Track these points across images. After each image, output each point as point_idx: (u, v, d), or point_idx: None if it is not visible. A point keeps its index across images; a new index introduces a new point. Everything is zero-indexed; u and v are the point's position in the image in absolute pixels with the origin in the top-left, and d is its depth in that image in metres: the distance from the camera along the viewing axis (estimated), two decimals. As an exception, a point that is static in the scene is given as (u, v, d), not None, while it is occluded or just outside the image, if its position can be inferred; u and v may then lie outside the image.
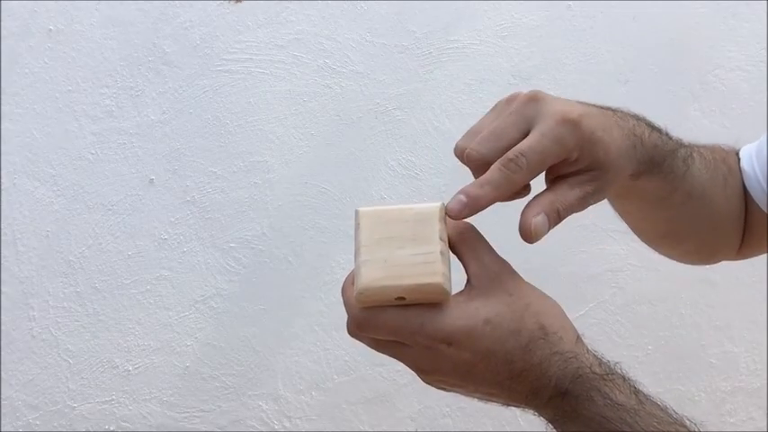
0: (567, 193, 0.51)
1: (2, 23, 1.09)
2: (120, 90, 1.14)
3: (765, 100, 1.36)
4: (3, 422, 1.12)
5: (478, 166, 0.50)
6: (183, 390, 1.19)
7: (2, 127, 1.10)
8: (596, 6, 1.32)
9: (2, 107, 1.10)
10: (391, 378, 1.27)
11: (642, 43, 1.34)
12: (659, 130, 0.58)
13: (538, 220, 0.49)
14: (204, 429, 1.20)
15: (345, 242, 1.23)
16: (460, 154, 0.51)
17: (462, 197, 0.48)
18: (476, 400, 0.51)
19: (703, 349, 1.43)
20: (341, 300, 0.49)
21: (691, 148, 0.64)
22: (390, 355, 0.49)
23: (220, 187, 1.19)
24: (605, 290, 1.37)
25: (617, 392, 0.47)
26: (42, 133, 1.12)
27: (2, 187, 1.11)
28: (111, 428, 1.16)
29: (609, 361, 0.49)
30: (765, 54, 1.39)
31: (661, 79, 1.35)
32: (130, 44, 1.14)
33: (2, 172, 1.10)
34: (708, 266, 1.41)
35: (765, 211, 0.67)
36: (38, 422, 1.13)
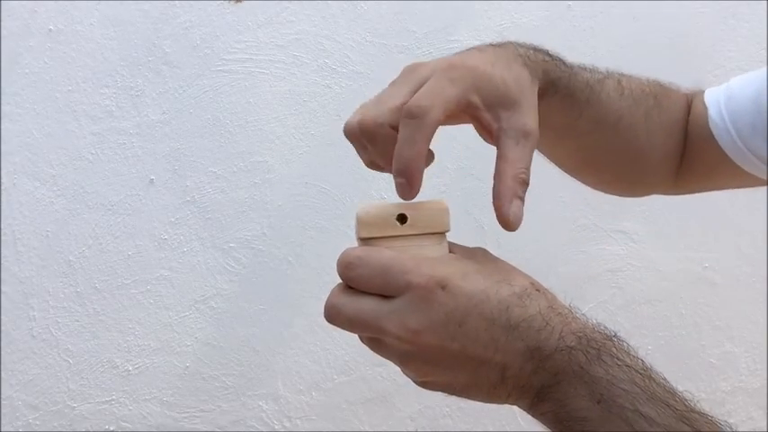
0: (515, 150, 0.48)
1: (2, 23, 1.09)
2: (120, 90, 1.14)
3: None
4: (3, 422, 1.12)
5: (372, 131, 0.48)
6: (183, 390, 1.19)
7: (2, 127, 1.10)
8: (596, 6, 1.32)
9: (2, 107, 1.10)
10: (391, 378, 1.27)
11: (642, 43, 1.34)
12: (547, 53, 0.57)
13: (514, 209, 0.47)
14: (204, 429, 1.20)
15: (345, 242, 1.22)
16: (348, 127, 0.49)
17: (399, 179, 0.46)
18: (455, 393, 0.48)
19: (703, 349, 1.43)
20: (323, 313, 0.48)
21: (606, 74, 0.63)
22: (372, 320, 0.45)
23: (220, 187, 1.19)
24: (605, 290, 1.37)
25: (624, 354, 0.44)
26: (42, 133, 1.12)
27: (2, 187, 1.11)
28: (111, 428, 1.16)
29: (607, 327, 0.47)
30: (765, 54, 1.39)
31: (661, 79, 1.35)
32: (130, 44, 1.14)
33: (2, 172, 1.11)
34: (707, 266, 1.41)
35: (736, 162, 0.66)
36: (38, 422, 1.13)
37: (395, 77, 0.51)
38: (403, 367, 0.48)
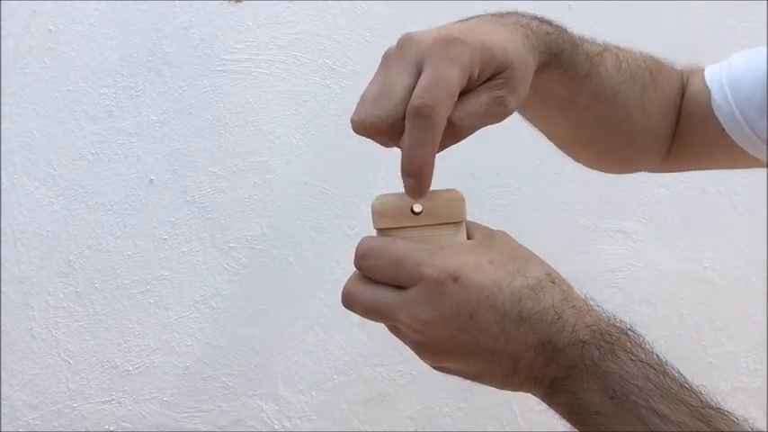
0: (472, 100, 0.46)
1: (2, 23, 1.09)
2: (120, 90, 1.14)
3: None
4: (3, 422, 1.12)
5: (384, 131, 0.45)
6: (183, 390, 1.19)
7: (2, 127, 1.10)
8: (596, 6, 1.32)
9: (2, 107, 1.10)
10: (391, 378, 1.27)
11: (642, 43, 1.34)
12: (550, 23, 0.55)
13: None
14: (204, 429, 1.20)
15: (345, 242, 1.23)
16: (361, 128, 0.46)
17: (410, 180, 0.45)
18: (470, 379, 0.48)
19: (703, 349, 1.43)
20: (341, 300, 0.48)
21: (604, 47, 0.61)
22: (385, 310, 0.45)
23: (220, 187, 1.19)
24: (605, 290, 1.37)
25: (639, 349, 0.44)
26: (42, 133, 1.12)
27: (2, 187, 1.11)
28: (111, 428, 1.16)
29: (623, 320, 0.46)
30: (765, 54, 1.39)
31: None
32: (130, 44, 1.14)
33: (2, 172, 1.10)
34: (707, 266, 1.41)
35: (742, 146, 0.65)
36: (38, 422, 1.13)
37: (388, 50, 0.48)
38: (417, 354, 0.48)
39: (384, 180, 1.23)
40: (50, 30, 1.11)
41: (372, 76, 0.48)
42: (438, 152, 0.46)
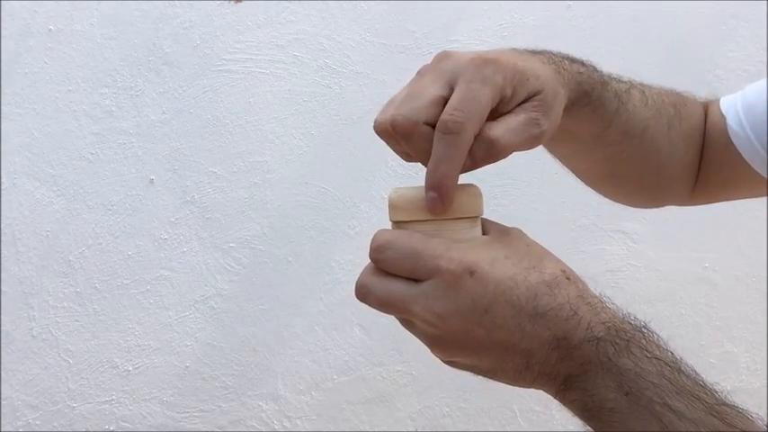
0: (510, 119, 0.47)
1: (2, 23, 1.09)
2: (120, 90, 1.14)
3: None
4: (3, 422, 1.12)
5: (407, 131, 0.46)
6: (183, 390, 1.19)
7: (2, 127, 1.10)
8: (596, 6, 1.32)
9: (2, 107, 1.10)
10: (391, 378, 1.27)
11: (642, 43, 1.34)
12: (582, 63, 0.56)
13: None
14: (204, 429, 1.20)
15: (345, 242, 1.23)
16: (384, 127, 0.46)
17: (432, 194, 0.45)
18: (481, 374, 0.48)
19: (703, 349, 1.43)
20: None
21: (631, 84, 0.62)
22: (400, 303, 0.45)
23: (220, 187, 1.19)
24: (605, 290, 1.36)
25: (654, 346, 0.44)
26: (42, 133, 1.12)
27: (2, 187, 1.11)
28: (111, 428, 1.16)
29: (637, 318, 0.46)
30: (765, 54, 1.39)
31: (661, 79, 1.35)
32: (130, 44, 1.14)
33: (2, 172, 1.11)
34: (707, 266, 1.41)
35: (758, 170, 0.65)
36: (38, 422, 1.13)
37: (424, 65, 0.49)
38: (430, 348, 0.47)
39: (384, 180, 1.23)
40: (50, 30, 1.11)
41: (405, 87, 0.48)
42: (473, 170, 0.46)
